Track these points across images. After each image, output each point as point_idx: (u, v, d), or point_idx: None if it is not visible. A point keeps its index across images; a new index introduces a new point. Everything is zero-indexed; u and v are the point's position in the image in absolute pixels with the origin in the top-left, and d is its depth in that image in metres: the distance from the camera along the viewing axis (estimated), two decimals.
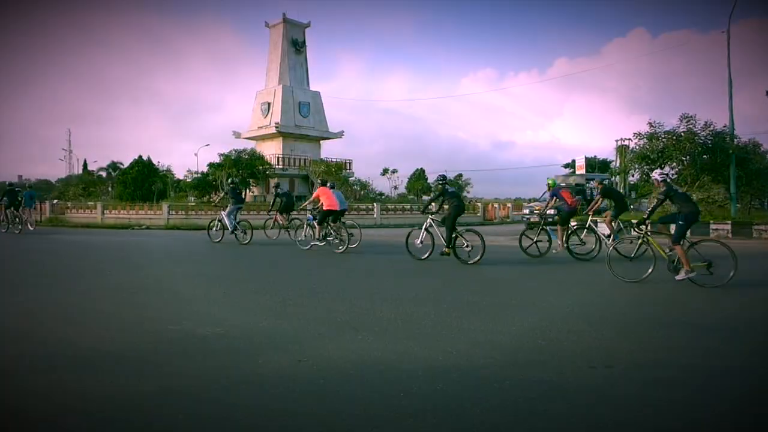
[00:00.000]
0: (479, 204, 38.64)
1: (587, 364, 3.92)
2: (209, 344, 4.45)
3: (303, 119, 48.07)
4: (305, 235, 13.16)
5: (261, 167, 42.22)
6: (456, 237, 10.31)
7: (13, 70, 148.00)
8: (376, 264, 10.75)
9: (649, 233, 8.05)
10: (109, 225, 26.44)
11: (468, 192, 54.22)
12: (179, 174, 49.25)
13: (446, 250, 10.35)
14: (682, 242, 7.40)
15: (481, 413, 3.01)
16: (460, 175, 56.21)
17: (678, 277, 7.40)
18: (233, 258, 11.80)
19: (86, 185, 48.52)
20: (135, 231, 22.61)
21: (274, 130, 46.32)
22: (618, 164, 28.79)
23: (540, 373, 3.71)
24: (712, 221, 18.08)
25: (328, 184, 13.53)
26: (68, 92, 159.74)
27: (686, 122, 20.82)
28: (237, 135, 50.15)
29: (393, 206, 34.50)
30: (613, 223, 11.33)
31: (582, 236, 11.19)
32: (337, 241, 12.46)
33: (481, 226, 30.27)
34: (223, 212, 14.52)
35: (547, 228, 11.37)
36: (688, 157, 20.67)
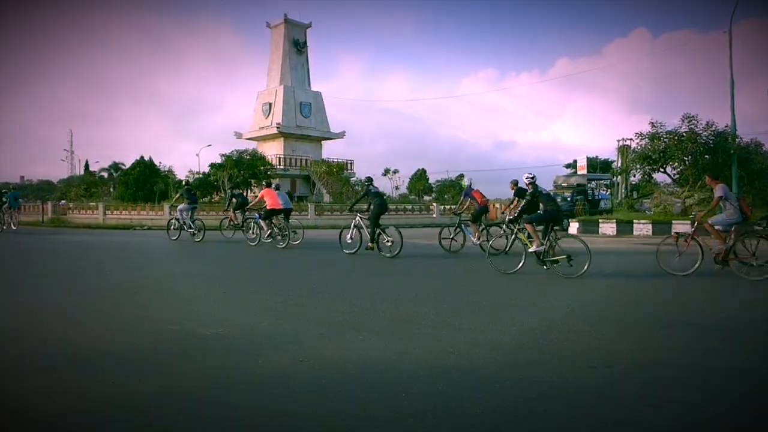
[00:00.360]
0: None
1: (587, 364, 3.92)
2: (209, 344, 4.46)
3: (304, 119, 48.10)
4: (254, 233, 14.15)
5: (262, 168, 42.23)
6: (379, 233, 11.40)
7: (14, 70, 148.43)
8: (376, 265, 10.74)
9: (519, 230, 8.97)
10: (110, 226, 26.49)
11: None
12: (181, 174, 49.31)
13: (370, 245, 11.39)
14: (537, 231, 8.67)
15: (481, 413, 3.00)
16: (462, 176, 56.10)
17: (530, 250, 8.55)
18: (233, 258, 11.80)
19: (88, 186, 48.58)
20: (136, 232, 22.64)
21: (275, 131, 46.36)
22: (619, 164, 28.76)
23: (540, 373, 3.70)
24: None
25: (273, 185, 14.53)
26: (69, 93, 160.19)
27: (688, 122, 20.79)
28: (238, 135, 50.20)
29: (394, 207, 34.48)
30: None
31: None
32: (279, 238, 13.46)
33: None
34: (178, 212, 15.74)
35: (462, 226, 12.35)
36: (689, 157, 20.63)
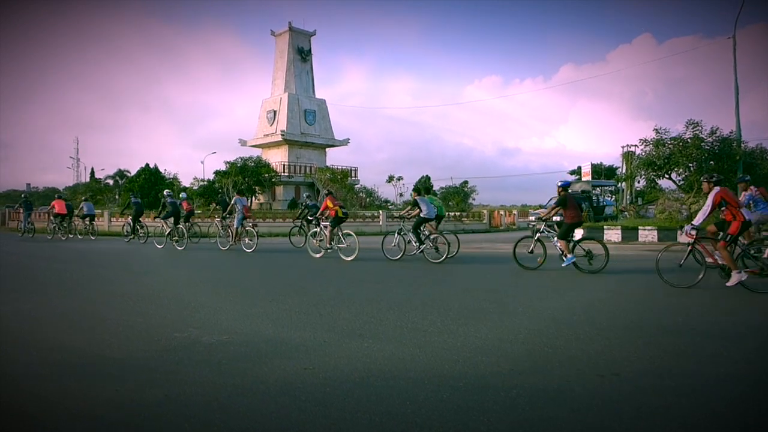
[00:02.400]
0: (485, 211, 38.51)
1: (595, 372, 3.89)
2: (215, 352, 4.45)
3: (308, 127, 48.26)
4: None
5: (267, 175, 42.37)
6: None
7: (23, 79, 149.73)
8: (383, 272, 10.73)
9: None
10: (115, 233, 26.53)
11: (474, 199, 54.02)
12: (185, 181, 49.50)
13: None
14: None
15: (487, 422, 2.99)
16: (466, 182, 56.04)
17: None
18: (238, 265, 11.81)
19: (93, 193, 48.81)
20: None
21: (279, 138, 46.53)
22: (624, 171, 28.65)
23: (547, 382, 3.68)
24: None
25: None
26: (77, 101, 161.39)
27: (692, 128, 20.72)
28: (243, 143, 50.40)
29: (399, 214, 34.46)
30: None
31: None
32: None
33: (486, 233, 30.24)
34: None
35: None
36: (694, 163, 20.55)
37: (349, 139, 51.87)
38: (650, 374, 3.86)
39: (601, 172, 50.11)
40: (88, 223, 20.23)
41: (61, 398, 3.43)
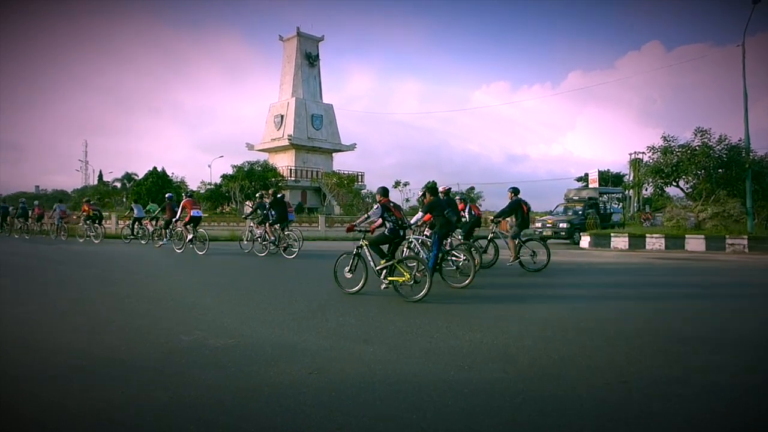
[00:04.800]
0: (490, 217, 38.45)
1: (602, 379, 3.86)
2: (221, 355, 4.46)
3: (316, 132, 48.43)
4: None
5: (273, 179, 42.50)
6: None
7: (33, 84, 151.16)
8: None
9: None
10: (123, 235, 26.65)
11: (480, 205, 53.97)
12: (193, 185, 49.77)
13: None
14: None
15: (493, 428, 2.97)
16: (472, 188, 56.00)
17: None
18: (244, 269, 11.83)
19: (101, 196, 49.13)
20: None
21: (286, 143, 46.71)
22: (632, 178, 28.55)
23: (553, 389, 3.66)
24: (728, 236, 17.80)
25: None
26: (86, 105, 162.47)
27: (701, 136, 20.63)
28: (250, 147, 50.63)
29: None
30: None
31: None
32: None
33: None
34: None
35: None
36: (703, 171, 20.45)
37: (355, 144, 52.00)
38: (658, 382, 3.82)
39: (609, 179, 49.86)
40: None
41: (64, 400, 3.44)
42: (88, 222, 20.16)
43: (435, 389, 3.60)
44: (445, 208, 8.77)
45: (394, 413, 3.18)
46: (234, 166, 43.38)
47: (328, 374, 3.93)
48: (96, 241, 19.54)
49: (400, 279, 7.38)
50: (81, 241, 19.74)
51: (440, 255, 8.64)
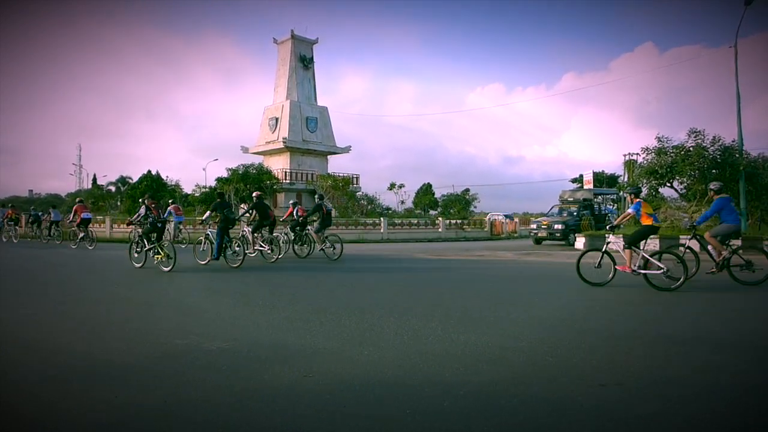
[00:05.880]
0: (486, 219, 38.50)
1: (597, 381, 3.86)
2: (216, 358, 4.43)
3: (310, 134, 48.39)
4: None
5: (268, 182, 42.44)
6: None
7: (27, 86, 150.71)
8: (383, 280, 10.72)
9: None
10: (117, 239, 26.55)
11: (475, 207, 54.00)
12: (188, 188, 49.62)
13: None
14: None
15: (489, 430, 2.95)
16: (467, 190, 55.99)
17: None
18: (240, 273, 11.79)
19: (96, 199, 48.91)
20: None
21: (281, 145, 46.65)
22: (626, 179, 28.64)
23: (549, 391, 3.65)
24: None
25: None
26: (80, 108, 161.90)
27: (694, 137, 20.73)
28: (245, 150, 50.52)
29: (400, 221, 34.49)
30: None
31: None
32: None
33: (488, 241, 30.19)
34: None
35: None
36: (697, 172, 20.53)
37: (350, 146, 51.96)
38: (653, 384, 3.82)
39: (603, 180, 50.10)
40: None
41: (61, 401, 3.42)
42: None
43: (431, 391, 3.59)
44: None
45: (390, 415, 3.16)
46: (229, 169, 43.30)
47: (323, 377, 3.91)
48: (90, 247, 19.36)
49: None
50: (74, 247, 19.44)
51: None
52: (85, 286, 9.37)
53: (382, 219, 31.74)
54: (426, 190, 62.71)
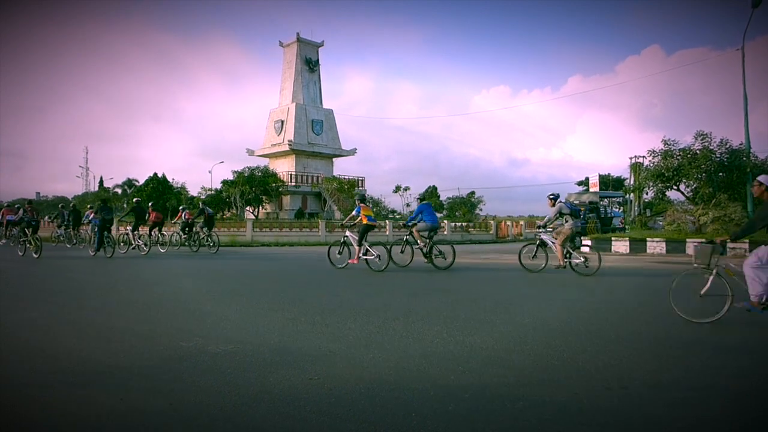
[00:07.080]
0: (492, 221, 38.44)
1: (602, 384, 3.84)
2: (220, 361, 4.44)
3: (316, 137, 48.51)
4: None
5: (274, 184, 42.58)
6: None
7: (35, 91, 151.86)
8: (389, 282, 10.72)
9: None
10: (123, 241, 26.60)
11: (480, 209, 53.95)
12: (194, 191, 49.83)
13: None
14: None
15: None
16: (473, 193, 55.94)
17: None
18: (243, 274, 11.82)
19: (102, 202, 49.14)
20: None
21: (287, 148, 46.80)
22: (632, 182, 28.52)
23: (554, 394, 3.63)
24: (729, 239, 17.73)
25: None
26: (87, 112, 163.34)
27: (701, 140, 20.64)
28: (250, 152, 50.71)
29: (402, 223, 34.45)
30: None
31: None
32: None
33: (493, 243, 30.13)
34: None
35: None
36: (704, 175, 20.44)
37: (356, 149, 52.10)
38: (659, 387, 3.80)
39: (609, 183, 49.93)
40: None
41: (65, 405, 3.42)
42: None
43: (435, 394, 3.58)
44: None
45: (394, 419, 3.16)
46: (234, 172, 43.52)
47: (328, 380, 3.91)
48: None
49: None
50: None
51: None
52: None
53: (387, 222, 31.74)
54: (431, 193, 62.71)
